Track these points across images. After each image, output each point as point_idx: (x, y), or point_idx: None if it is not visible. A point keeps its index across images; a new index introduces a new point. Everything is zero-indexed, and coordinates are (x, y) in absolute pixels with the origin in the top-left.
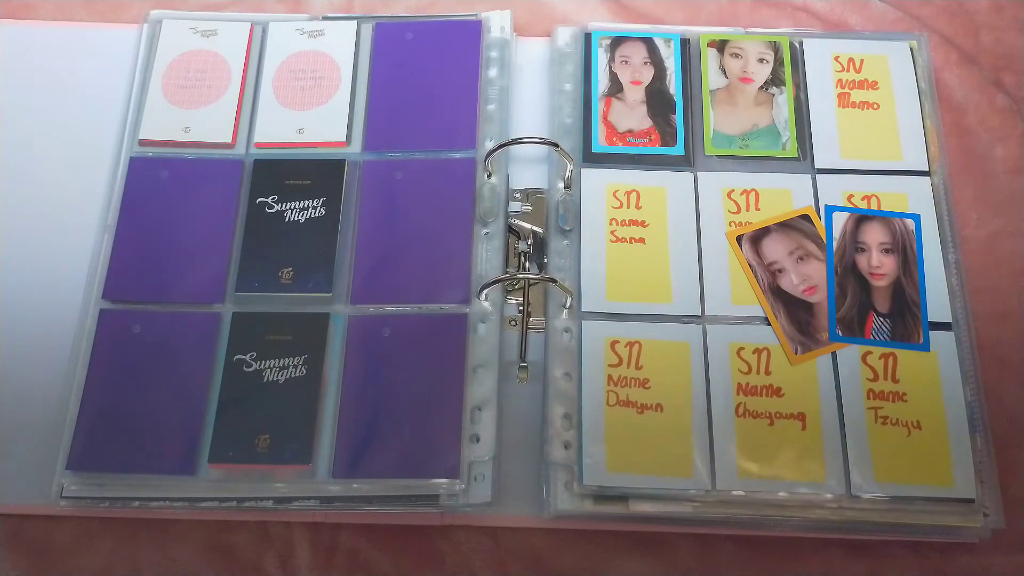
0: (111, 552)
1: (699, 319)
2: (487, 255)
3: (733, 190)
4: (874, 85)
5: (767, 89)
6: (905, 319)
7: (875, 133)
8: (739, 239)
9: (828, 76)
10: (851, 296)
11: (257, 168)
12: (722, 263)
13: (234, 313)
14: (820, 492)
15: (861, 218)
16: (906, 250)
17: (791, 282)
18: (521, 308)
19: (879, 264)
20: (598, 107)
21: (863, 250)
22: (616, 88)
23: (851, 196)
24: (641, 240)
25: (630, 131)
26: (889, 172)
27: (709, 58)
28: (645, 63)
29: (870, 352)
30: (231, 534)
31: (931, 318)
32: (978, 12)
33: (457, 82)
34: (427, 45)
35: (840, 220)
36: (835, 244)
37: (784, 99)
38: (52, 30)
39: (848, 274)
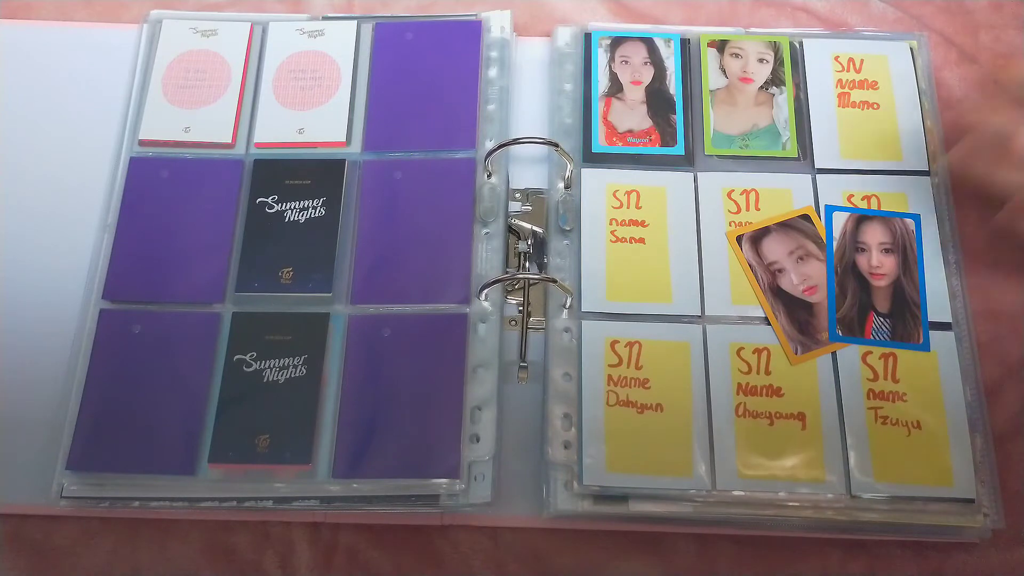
0: (111, 552)
1: (699, 319)
2: (487, 255)
3: (733, 190)
4: (874, 85)
5: (767, 89)
6: (905, 319)
7: (875, 133)
8: (739, 239)
9: (828, 76)
10: (851, 296)
11: (257, 168)
12: (722, 263)
13: (234, 313)
14: (820, 492)
15: (861, 218)
16: (906, 250)
17: (791, 282)
18: (521, 308)
19: (879, 264)
20: (598, 107)
21: (863, 250)
22: (616, 88)
23: (851, 196)
24: (641, 240)
25: (630, 131)
26: (889, 172)
27: (709, 58)
28: (645, 63)
29: (870, 352)
30: (231, 534)
31: (931, 318)
32: (977, 11)
33: (457, 82)
34: (427, 45)
35: (840, 220)
36: (835, 244)
37: (784, 99)
38: (52, 30)
39: (848, 274)
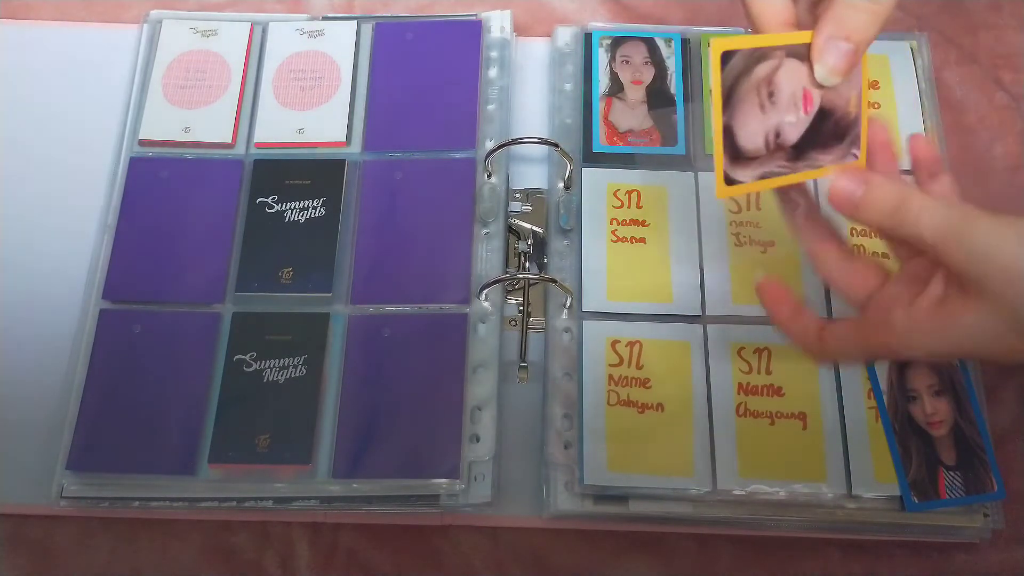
0: (111, 552)
1: (699, 319)
2: (487, 255)
3: None
4: (875, 85)
5: None
6: (974, 467)
7: None
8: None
9: None
10: (916, 454)
11: (257, 168)
12: (723, 263)
13: (234, 313)
14: (820, 492)
15: (904, 364)
16: (956, 388)
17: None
18: (521, 308)
19: (934, 411)
20: (598, 107)
21: (914, 398)
22: (617, 88)
23: None
24: (642, 240)
25: (631, 131)
26: None
27: (710, 57)
28: (646, 63)
29: None
30: (231, 534)
31: None
32: (977, 11)
33: (457, 82)
34: (427, 45)
35: (883, 369)
36: (885, 398)
37: None
38: (52, 30)
39: (907, 430)
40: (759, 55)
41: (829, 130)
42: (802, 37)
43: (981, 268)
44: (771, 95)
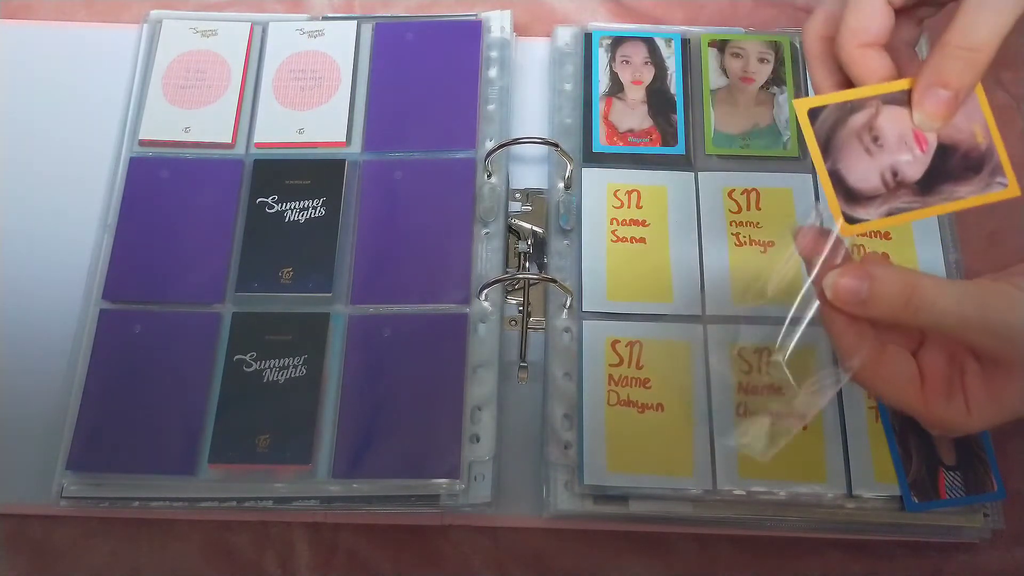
0: (111, 552)
1: (700, 319)
2: (487, 255)
3: (734, 190)
4: None
5: (768, 89)
6: (974, 467)
7: None
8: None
9: None
10: (916, 454)
11: (257, 168)
12: (723, 263)
13: (234, 313)
14: (820, 492)
15: None
16: None
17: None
18: (521, 308)
19: None
20: (598, 107)
21: None
22: (617, 88)
23: None
24: (642, 240)
25: (631, 131)
26: None
27: (710, 58)
28: (646, 63)
29: None
30: (231, 534)
31: None
32: None
33: (457, 82)
34: (427, 45)
35: None
36: None
37: (785, 99)
38: (52, 30)
39: (907, 427)
40: (851, 107)
41: (958, 164)
42: (899, 85)
43: (1008, 343)
44: (876, 139)
